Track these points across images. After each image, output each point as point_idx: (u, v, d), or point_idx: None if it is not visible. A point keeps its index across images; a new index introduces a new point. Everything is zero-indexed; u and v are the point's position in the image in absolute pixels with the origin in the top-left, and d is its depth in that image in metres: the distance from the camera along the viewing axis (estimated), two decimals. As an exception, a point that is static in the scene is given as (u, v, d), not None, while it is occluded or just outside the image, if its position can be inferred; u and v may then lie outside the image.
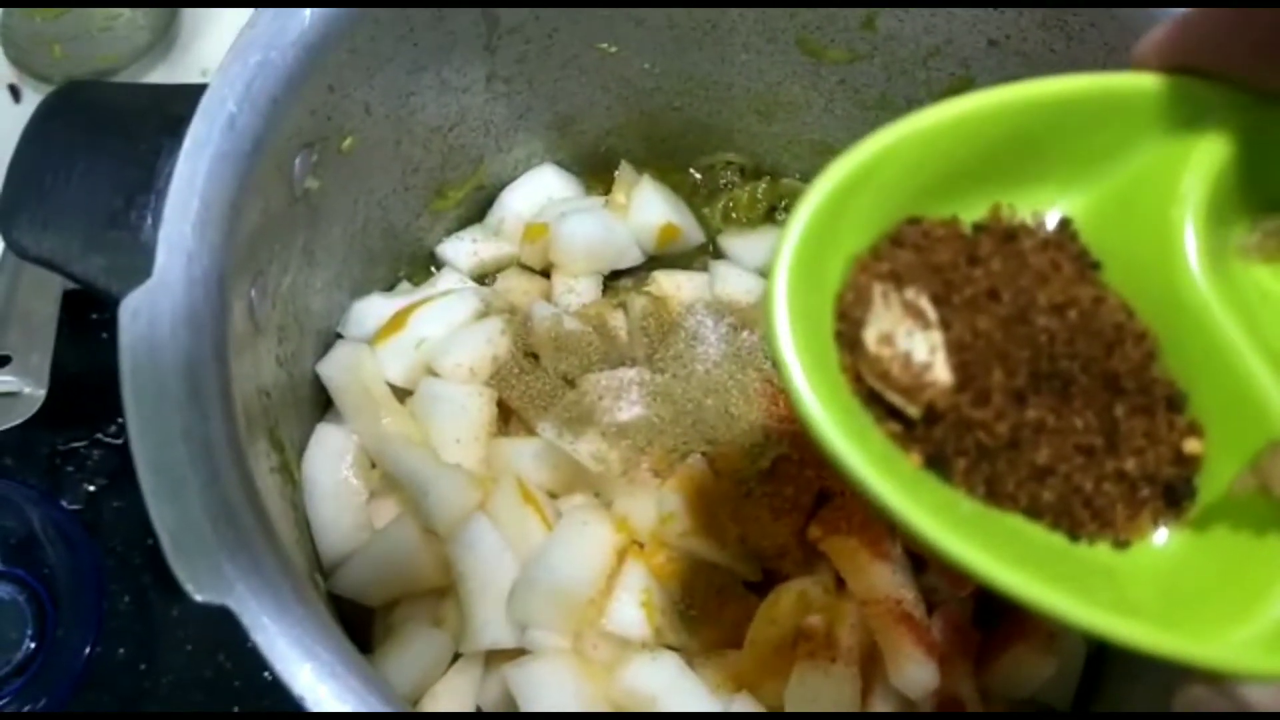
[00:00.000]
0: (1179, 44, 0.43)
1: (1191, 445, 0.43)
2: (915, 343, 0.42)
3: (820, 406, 0.39)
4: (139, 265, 0.54)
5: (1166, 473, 0.43)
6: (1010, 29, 0.70)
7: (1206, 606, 0.41)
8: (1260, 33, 0.41)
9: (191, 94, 0.58)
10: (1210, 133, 0.43)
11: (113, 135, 0.59)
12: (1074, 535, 0.43)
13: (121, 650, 0.83)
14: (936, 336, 0.42)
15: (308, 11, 0.59)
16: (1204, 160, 0.43)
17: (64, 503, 0.87)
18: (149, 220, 0.57)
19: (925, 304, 0.42)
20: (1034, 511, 0.43)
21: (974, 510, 0.42)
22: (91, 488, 0.88)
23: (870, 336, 0.42)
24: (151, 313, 0.53)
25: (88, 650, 0.80)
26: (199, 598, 0.49)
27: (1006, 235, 0.45)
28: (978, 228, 0.45)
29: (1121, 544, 0.43)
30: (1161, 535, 0.44)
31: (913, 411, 0.42)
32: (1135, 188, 0.45)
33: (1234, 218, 0.45)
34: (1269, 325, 0.44)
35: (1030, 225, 0.46)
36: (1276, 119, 0.43)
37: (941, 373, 0.42)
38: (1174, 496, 0.43)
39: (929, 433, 0.42)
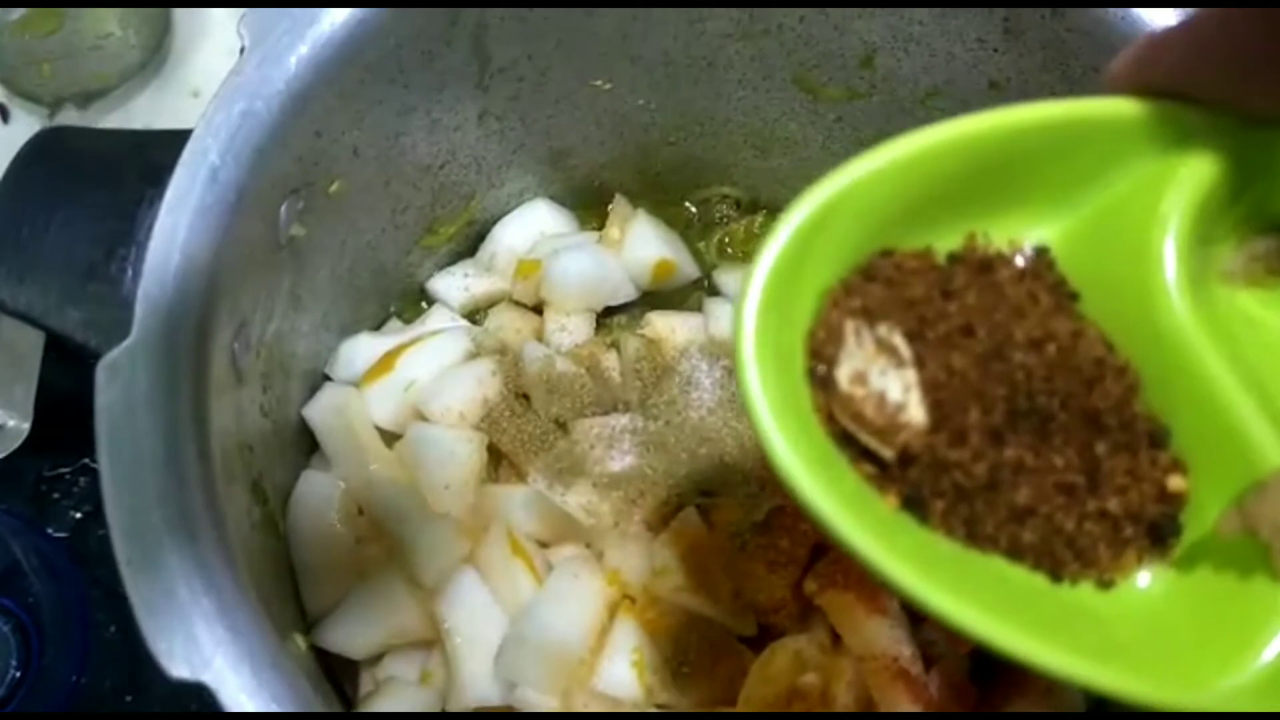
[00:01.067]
0: (1148, 67, 0.41)
1: (1175, 482, 0.42)
2: (889, 382, 0.40)
3: (789, 448, 0.38)
4: (118, 319, 0.53)
5: (1151, 511, 0.42)
6: (1010, 71, 0.68)
7: (1195, 651, 0.40)
8: (1231, 54, 0.39)
9: (174, 141, 0.57)
10: (1192, 155, 0.41)
11: (93, 185, 0.58)
12: (1056, 576, 0.42)
13: (108, 681, 0.82)
14: (911, 375, 0.41)
15: (294, 59, 0.58)
16: (1186, 183, 0.41)
17: (49, 530, 0.86)
18: (129, 273, 0.56)
19: (899, 341, 0.41)
20: (1015, 553, 0.41)
21: (953, 553, 0.41)
22: (78, 514, 0.87)
23: (843, 375, 0.40)
24: (129, 373, 0.52)
25: (73, 680, 0.79)
26: (175, 674, 0.48)
27: (982, 265, 0.43)
28: (953, 258, 0.44)
29: (1105, 584, 0.42)
30: (1146, 577, 0.42)
31: (887, 453, 0.40)
32: (1114, 213, 0.43)
33: (1217, 241, 0.44)
34: (1254, 354, 0.42)
35: (1007, 254, 0.44)
36: (1261, 139, 0.41)
37: (916, 413, 0.40)
38: (1159, 535, 0.42)
39: (904, 474, 0.41)
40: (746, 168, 0.84)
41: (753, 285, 0.39)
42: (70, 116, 0.95)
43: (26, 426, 0.84)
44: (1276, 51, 0.38)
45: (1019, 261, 0.44)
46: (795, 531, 0.67)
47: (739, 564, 0.67)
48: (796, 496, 0.38)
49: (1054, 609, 0.41)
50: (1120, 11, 0.62)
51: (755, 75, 0.76)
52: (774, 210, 0.87)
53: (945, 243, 0.44)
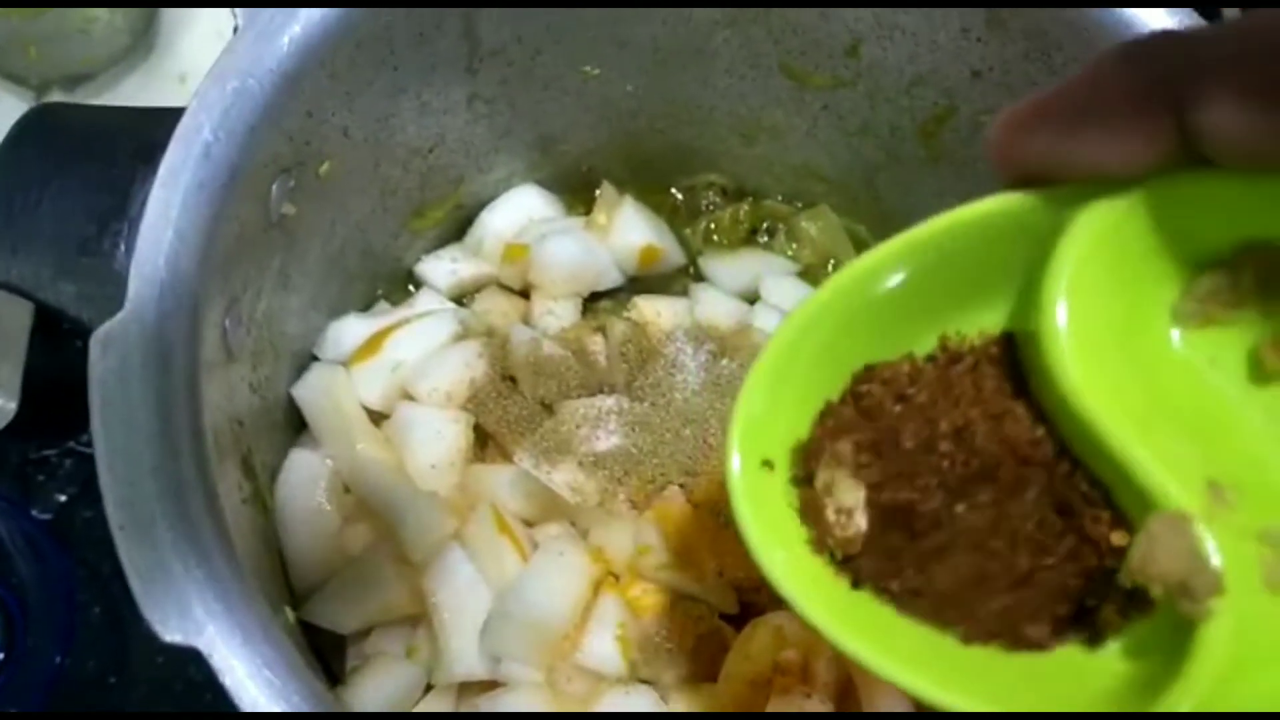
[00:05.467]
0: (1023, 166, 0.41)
1: (1117, 538, 0.42)
2: (846, 492, 0.44)
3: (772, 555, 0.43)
4: (111, 293, 0.54)
5: (1112, 566, 0.42)
6: (994, 60, 0.70)
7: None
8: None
9: (167, 117, 0.57)
10: (1088, 207, 0.40)
11: (86, 160, 0.58)
12: (1042, 647, 0.43)
13: (91, 662, 0.83)
14: (861, 487, 0.44)
15: (286, 38, 0.59)
16: (1078, 234, 0.40)
17: (34, 512, 0.86)
18: (122, 247, 0.57)
19: (850, 452, 0.45)
20: (982, 639, 0.43)
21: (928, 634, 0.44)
22: (63, 497, 0.87)
23: (819, 484, 0.45)
24: (123, 346, 0.52)
25: (57, 661, 0.79)
26: (168, 638, 0.48)
27: (951, 361, 0.45)
28: (929, 359, 0.45)
29: (1094, 643, 0.43)
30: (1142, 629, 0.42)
31: (838, 555, 0.45)
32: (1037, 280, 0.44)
33: (1166, 285, 0.43)
34: (1201, 396, 0.42)
35: (979, 346, 0.45)
36: (1174, 187, 0.40)
37: (860, 520, 0.44)
38: (1133, 593, 0.42)
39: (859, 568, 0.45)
40: (733, 155, 0.85)
41: (735, 422, 0.44)
42: (56, 99, 0.95)
43: (14, 406, 0.84)
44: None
45: (980, 353, 0.45)
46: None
47: (722, 543, 0.68)
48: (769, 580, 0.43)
49: (1046, 673, 0.43)
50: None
51: (742, 63, 0.77)
52: (759, 198, 0.88)
53: (923, 347, 0.46)
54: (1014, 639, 0.43)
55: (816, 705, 0.63)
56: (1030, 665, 0.43)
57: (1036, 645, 0.43)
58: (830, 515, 0.44)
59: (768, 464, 0.45)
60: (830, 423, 0.45)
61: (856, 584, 0.45)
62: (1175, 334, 0.43)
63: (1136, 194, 0.40)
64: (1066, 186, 0.41)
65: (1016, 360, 0.44)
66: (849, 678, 0.65)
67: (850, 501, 0.44)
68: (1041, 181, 0.41)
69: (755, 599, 0.68)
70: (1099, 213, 0.40)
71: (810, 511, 0.45)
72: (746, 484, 0.44)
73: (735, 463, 0.44)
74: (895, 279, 0.43)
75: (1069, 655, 0.43)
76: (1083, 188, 0.40)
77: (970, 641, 0.44)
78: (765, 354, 0.44)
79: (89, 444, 0.88)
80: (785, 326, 0.44)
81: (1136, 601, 0.41)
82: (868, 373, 0.45)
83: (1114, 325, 0.42)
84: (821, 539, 0.45)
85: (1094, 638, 0.43)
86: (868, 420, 0.45)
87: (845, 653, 0.42)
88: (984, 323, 0.45)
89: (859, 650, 0.42)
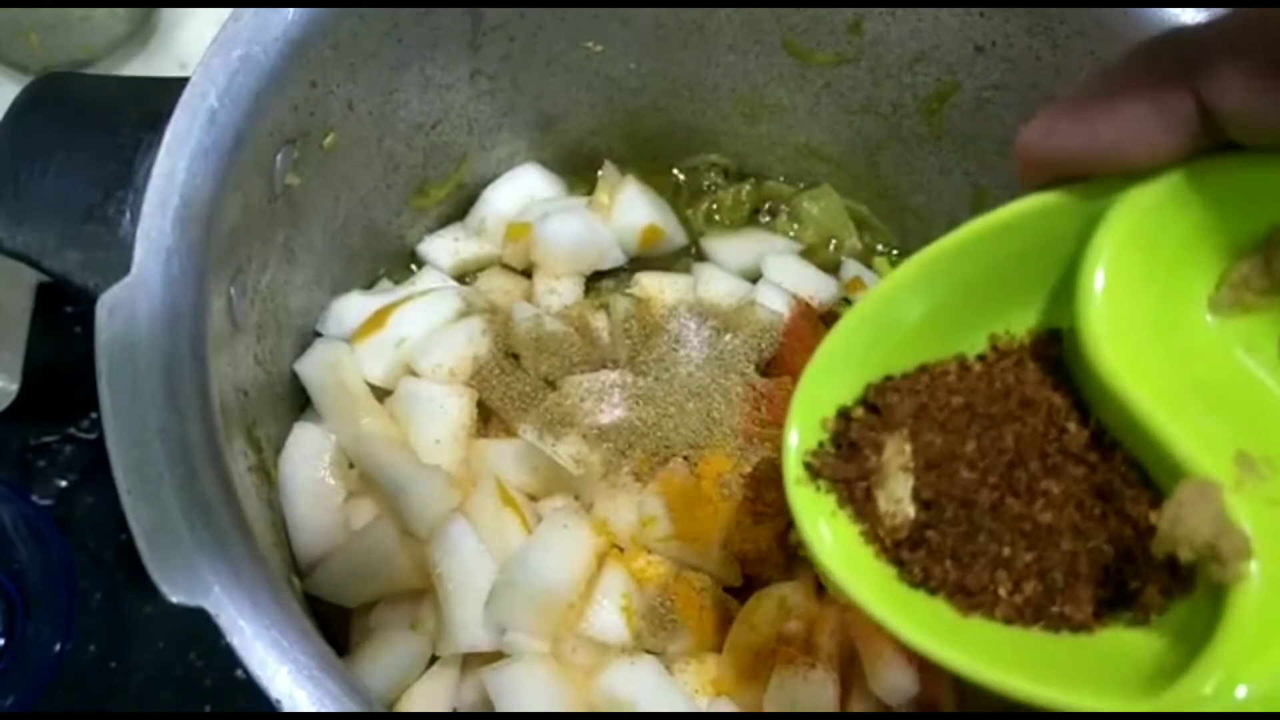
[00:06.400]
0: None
1: (1154, 516, 0.42)
2: (897, 485, 0.46)
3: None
4: (116, 260, 0.54)
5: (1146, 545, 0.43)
6: (996, 35, 0.70)
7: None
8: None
9: (172, 87, 0.57)
10: (1125, 198, 0.42)
11: (91, 129, 0.58)
12: (1085, 628, 0.44)
13: (92, 647, 0.83)
14: (910, 479, 0.46)
15: (291, 7, 0.59)
16: (1114, 220, 0.42)
17: (35, 498, 0.86)
18: (127, 215, 0.57)
19: (907, 448, 0.47)
20: (1025, 619, 0.45)
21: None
22: (63, 483, 0.87)
23: (873, 476, 0.47)
24: (129, 310, 0.52)
25: (58, 648, 0.79)
26: (174, 599, 0.48)
27: (999, 359, 0.47)
28: (981, 358, 0.47)
29: (1139, 620, 0.43)
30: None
31: (887, 541, 0.47)
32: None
33: (1201, 272, 0.44)
34: (1240, 383, 0.43)
35: (1028, 345, 0.47)
36: (1209, 174, 0.41)
37: (909, 509, 0.46)
38: (1173, 568, 0.42)
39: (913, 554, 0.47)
40: (734, 134, 0.85)
41: (791, 427, 0.49)
42: (58, 84, 0.95)
43: (15, 387, 0.85)
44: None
45: (1038, 347, 0.47)
46: (781, 484, 0.68)
47: (725, 515, 0.68)
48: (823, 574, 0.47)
49: (1090, 653, 0.43)
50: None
51: (745, 40, 0.77)
52: (761, 178, 0.88)
53: (974, 347, 0.48)
54: (1057, 620, 0.44)
55: (820, 675, 0.63)
56: (1074, 646, 0.44)
57: (1080, 627, 0.44)
58: (882, 505, 0.46)
59: (819, 446, 0.49)
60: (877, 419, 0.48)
61: (901, 568, 0.46)
62: (1211, 320, 0.44)
63: (1168, 182, 0.41)
64: (1102, 181, 0.42)
65: (1060, 356, 0.46)
66: (852, 648, 0.65)
67: (901, 492, 0.46)
68: (1072, 180, 0.43)
69: (759, 571, 0.69)
70: (1133, 201, 0.42)
71: (860, 501, 0.47)
72: (798, 469, 0.49)
73: (794, 439, 0.48)
74: (938, 284, 0.46)
75: (1113, 636, 0.44)
76: (1117, 180, 0.42)
77: (1012, 623, 0.45)
78: (826, 343, 0.47)
79: (90, 430, 0.88)
80: (844, 320, 0.47)
81: (1178, 581, 0.42)
82: (920, 371, 0.48)
83: (1150, 311, 0.43)
84: (872, 529, 0.47)
85: (1137, 619, 0.43)
86: (915, 418, 0.47)
87: (889, 631, 0.44)
88: (1031, 321, 0.47)
89: (902, 629, 0.43)
